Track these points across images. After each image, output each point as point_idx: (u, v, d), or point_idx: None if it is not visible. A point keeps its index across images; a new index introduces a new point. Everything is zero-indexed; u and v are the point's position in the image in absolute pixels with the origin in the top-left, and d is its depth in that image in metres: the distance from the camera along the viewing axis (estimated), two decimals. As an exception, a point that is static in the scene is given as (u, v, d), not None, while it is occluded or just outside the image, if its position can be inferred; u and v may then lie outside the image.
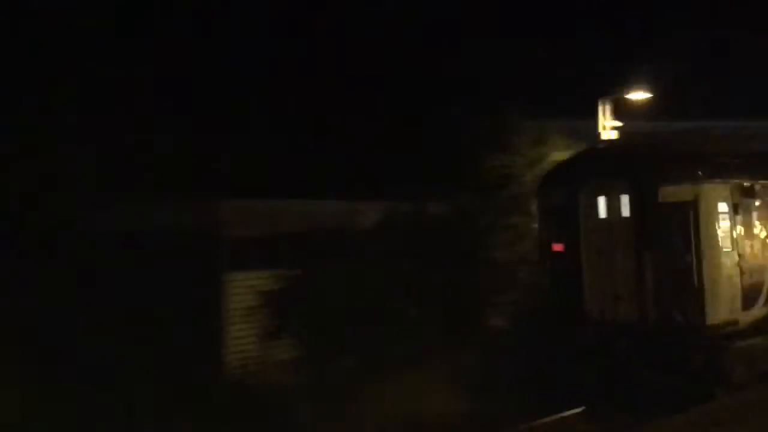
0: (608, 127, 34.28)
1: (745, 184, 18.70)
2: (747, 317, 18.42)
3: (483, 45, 25.97)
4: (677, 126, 56.84)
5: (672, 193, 17.79)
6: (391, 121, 22.23)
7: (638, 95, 34.99)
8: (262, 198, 19.56)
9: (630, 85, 34.80)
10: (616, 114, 34.83)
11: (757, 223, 19.17)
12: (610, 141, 25.13)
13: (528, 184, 25.56)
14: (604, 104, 34.22)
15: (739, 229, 18.60)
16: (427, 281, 20.66)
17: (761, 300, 18.72)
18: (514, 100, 25.47)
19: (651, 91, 35.07)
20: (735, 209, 18.50)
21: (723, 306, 17.88)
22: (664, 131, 52.02)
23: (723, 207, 18.26)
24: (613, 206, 18.77)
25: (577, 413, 18.16)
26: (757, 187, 18.96)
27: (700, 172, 18.02)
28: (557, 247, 19.24)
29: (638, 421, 16.18)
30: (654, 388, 17.56)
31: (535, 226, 25.10)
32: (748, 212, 18.86)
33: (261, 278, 18.19)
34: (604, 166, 19.07)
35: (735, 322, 18.17)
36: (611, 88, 34.71)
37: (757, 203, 19.07)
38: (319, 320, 17.68)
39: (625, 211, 18.49)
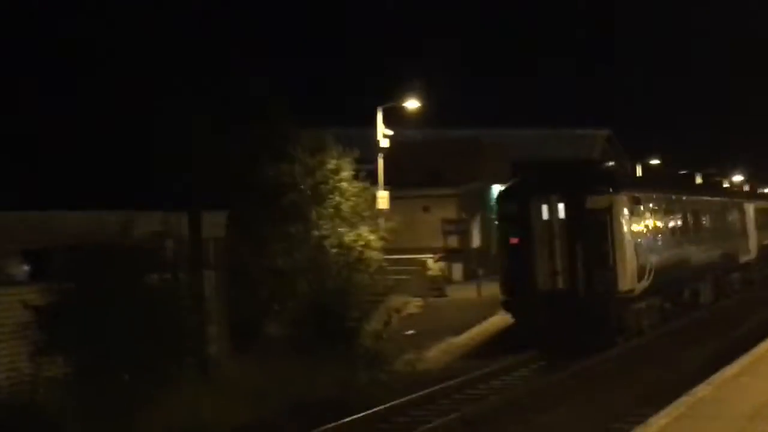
0: (383, 135, 35.14)
1: (635, 195, 27.53)
2: (640, 287, 27.08)
3: (260, 54, 25.92)
4: (451, 134, 58.96)
5: (595, 201, 25.99)
6: (158, 125, 21.80)
7: (412, 104, 36.05)
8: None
9: (404, 95, 35.83)
10: (392, 123, 35.77)
11: (644, 222, 28.12)
12: (548, 165, 32.78)
13: (306, 192, 25.81)
14: (381, 113, 35.09)
15: (634, 227, 27.04)
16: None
17: (647, 275, 27.11)
18: (290, 109, 25.64)
19: (423, 101, 36.22)
20: (631, 213, 26.98)
21: (627, 279, 26.13)
22: (439, 139, 53.89)
23: (625, 212, 26.47)
24: (553, 211, 26.41)
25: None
26: (642, 197, 27.87)
27: (611, 189, 26.27)
28: (514, 240, 26.55)
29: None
30: (579, 339, 25.51)
31: (315, 233, 25.36)
32: (638, 215, 27.60)
33: (32, 292, 17.59)
34: (546, 183, 26.52)
35: (633, 291, 26.72)
36: (386, 98, 35.62)
37: (641, 208, 28.00)
38: (92, 335, 17.23)
39: (562, 215, 26.28)
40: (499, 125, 63.97)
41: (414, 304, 32.93)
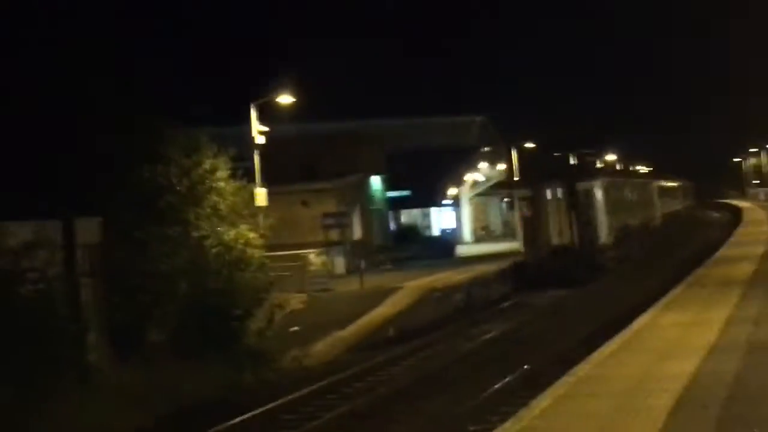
0: (258, 132, 35.03)
1: (603, 181, 49.87)
2: (609, 240, 48.74)
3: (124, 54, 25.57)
4: (326, 127, 59.06)
5: (582, 186, 46.04)
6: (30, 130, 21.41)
7: (285, 99, 36.02)
8: None
9: (277, 90, 35.76)
10: (267, 119, 35.65)
11: (608, 198, 49.58)
12: (550, 162, 58.38)
13: (183, 193, 25.59)
14: (254, 109, 34.94)
15: (608, 203, 51.03)
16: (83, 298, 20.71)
17: (613, 232, 47.50)
18: (162, 111, 25.41)
19: (297, 95, 36.23)
20: (606, 192, 50.07)
21: (604, 235, 47.18)
22: (314, 133, 53.97)
23: (599, 193, 48.88)
24: (554, 193, 43.61)
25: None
26: (607, 182, 50.16)
27: (591, 178, 48.30)
28: (526, 214, 43.09)
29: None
30: (574, 275, 40.35)
31: (194, 234, 25.18)
32: (607, 194, 51.11)
33: None
34: (549, 174, 43.82)
35: (606, 243, 47.49)
36: (259, 94, 35.50)
37: (607, 189, 50.14)
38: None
39: (560, 195, 43.25)
40: (374, 116, 64.33)
41: (298, 300, 32.97)
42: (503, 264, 45.54)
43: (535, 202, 44.30)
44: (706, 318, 18.29)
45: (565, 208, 44.54)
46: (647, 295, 29.43)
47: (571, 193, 43.71)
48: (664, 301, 22.77)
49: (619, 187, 57.36)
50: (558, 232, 42.88)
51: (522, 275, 42.04)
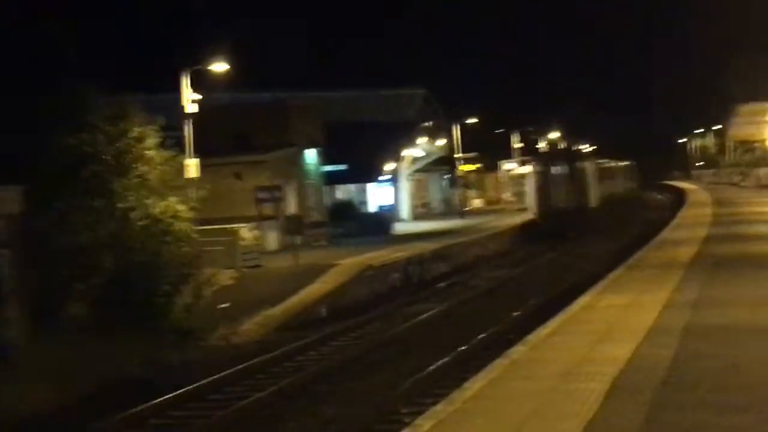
0: (190, 100, 34.54)
1: (593, 162, 72.52)
2: (595, 203, 68.22)
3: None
4: (261, 98, 58.47)
5: (579, 165, 64.12)
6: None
7: (219, 67, 35.52)
8: None
9: (211, 58, 35.26)
10: (200, 87, 35.16)
11: (593, 173, 70.16)
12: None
13: (109, 162, 25.12)
14: (185, 76, 34.40)
15: (592, 175, 69.52)
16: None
17: (596, 198, 67.44)
18: (89, 77, 24.85)
19: (232, 64, 35.76)
20: (592, 170, 69.45)
21: (592, 200, 65.81)
22: (249, 102, 53.41)
23: (589, 168, 68.73)
24: (558, 169, 61.22)
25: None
26: (594, 163, 72.31)
27: (584, 159, 69.02)
28: (542, 183, 61.37)
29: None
30: (573, 230, 55.39)
31: (120, 205, 24.73)
32: (592, 170, 70.44)
33: None
34: (556, 155, 67.50)
35: (593, 206, 66.07)
36: (191, 61, 34.96)
37: (593, 167, 70.93)
38: None
39: (564, 171, 61.18)
40: (312, 88, 63.98)
41: (228, 276, 32.65)
42: (445, 242, 45.50)
43: (545, 175, 62.17)
44: (645, 301, 18.39)
45: (566, 181, 61.51)
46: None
47: (571, 170, 62.23)
48: (603, 282, 22.83)
49: (598, 166, 79.04)
50: (562, 197, 60.08)
51: (534, 230, 57.79)
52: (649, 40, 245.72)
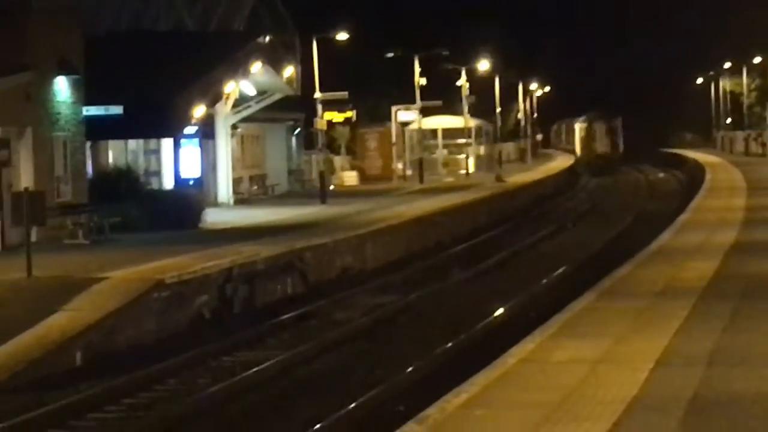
0: None
1: (604, 120, 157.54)
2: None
3: None
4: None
5: (601, 123, 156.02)
6: None
7: None
8: None
9: None
10: None
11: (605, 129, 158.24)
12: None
13: None
14: None
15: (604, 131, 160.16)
16: None
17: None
18: None
19: None
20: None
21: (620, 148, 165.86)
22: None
23: (602, 126, 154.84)
24: (596, 126, 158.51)
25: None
26: (604, 121, 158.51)
27: (601, 119, 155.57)
28: (583, 134, 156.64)
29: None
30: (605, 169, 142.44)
31: None
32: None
33: None
34: (595, 117, 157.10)
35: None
36: None
37: (603, 125, 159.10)
38: None
39: (603, 127, 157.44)
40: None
41: None
42: (292, 244, 43.62)
43: (590, 128, 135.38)
44: (627, 352, 19.20)
45: (605, 133, 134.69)
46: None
47: (609, 125, 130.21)
48: (560, 318, 23.54)
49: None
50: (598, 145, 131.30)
51: (577, 170, 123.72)
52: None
